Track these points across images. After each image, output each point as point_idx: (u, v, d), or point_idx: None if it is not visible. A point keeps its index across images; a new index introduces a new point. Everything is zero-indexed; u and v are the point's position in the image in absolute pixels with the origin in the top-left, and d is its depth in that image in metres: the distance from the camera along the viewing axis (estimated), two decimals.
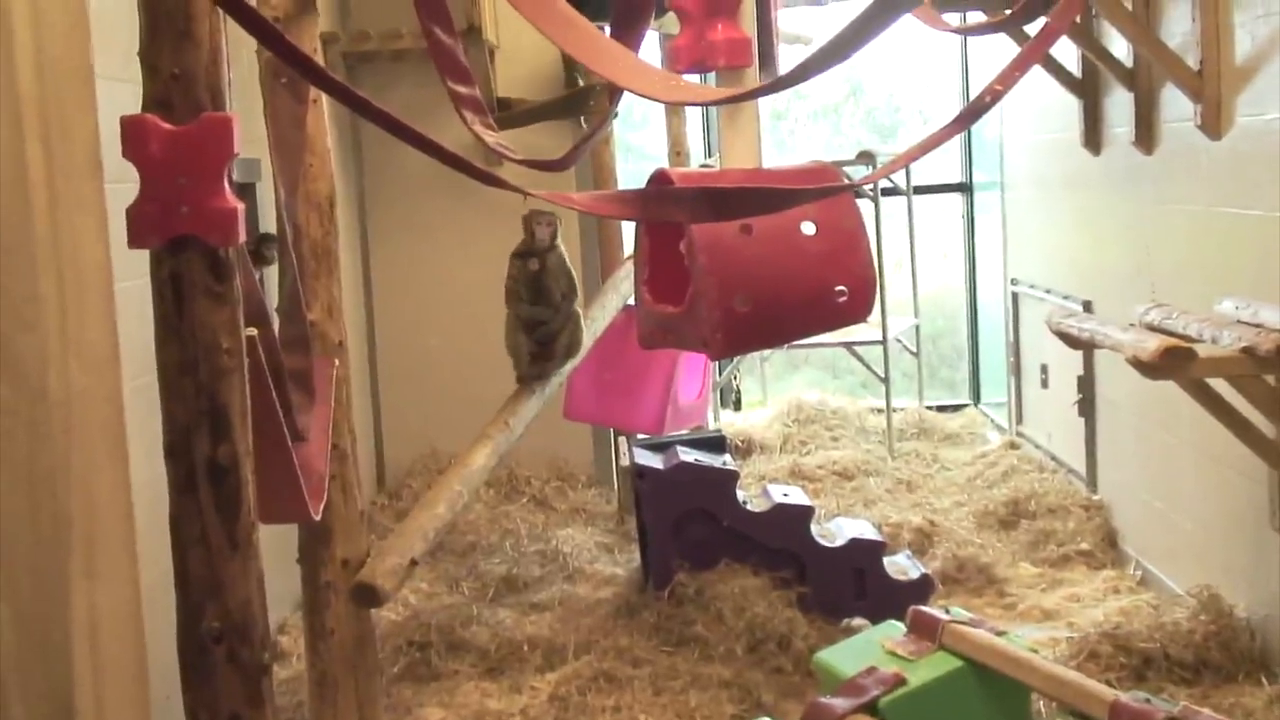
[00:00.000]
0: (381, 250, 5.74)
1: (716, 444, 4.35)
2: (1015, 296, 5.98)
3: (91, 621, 2.26)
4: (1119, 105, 4.41)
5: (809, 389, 6.87)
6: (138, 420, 2.38)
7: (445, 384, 5.73)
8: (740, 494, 4.12)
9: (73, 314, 2.26)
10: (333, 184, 3.08)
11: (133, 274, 2.12)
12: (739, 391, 7.05)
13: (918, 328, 6.67)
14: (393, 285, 5.75)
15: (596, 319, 4.27)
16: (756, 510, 4.09)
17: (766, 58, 3.00)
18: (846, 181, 3.43)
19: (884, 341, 6.00)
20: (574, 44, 2.57)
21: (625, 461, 4.84)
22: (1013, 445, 5.90)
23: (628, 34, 2.89)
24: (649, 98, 3.05)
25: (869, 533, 4.17)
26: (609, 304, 4.47)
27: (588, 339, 4.04)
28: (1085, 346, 3.59)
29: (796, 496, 4.21)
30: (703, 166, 5.57)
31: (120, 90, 2.19)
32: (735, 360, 6.43)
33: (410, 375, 5.76)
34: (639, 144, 7.18)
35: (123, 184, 1.87)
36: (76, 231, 2.26)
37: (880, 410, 6.29)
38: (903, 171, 6.38)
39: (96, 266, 2.29)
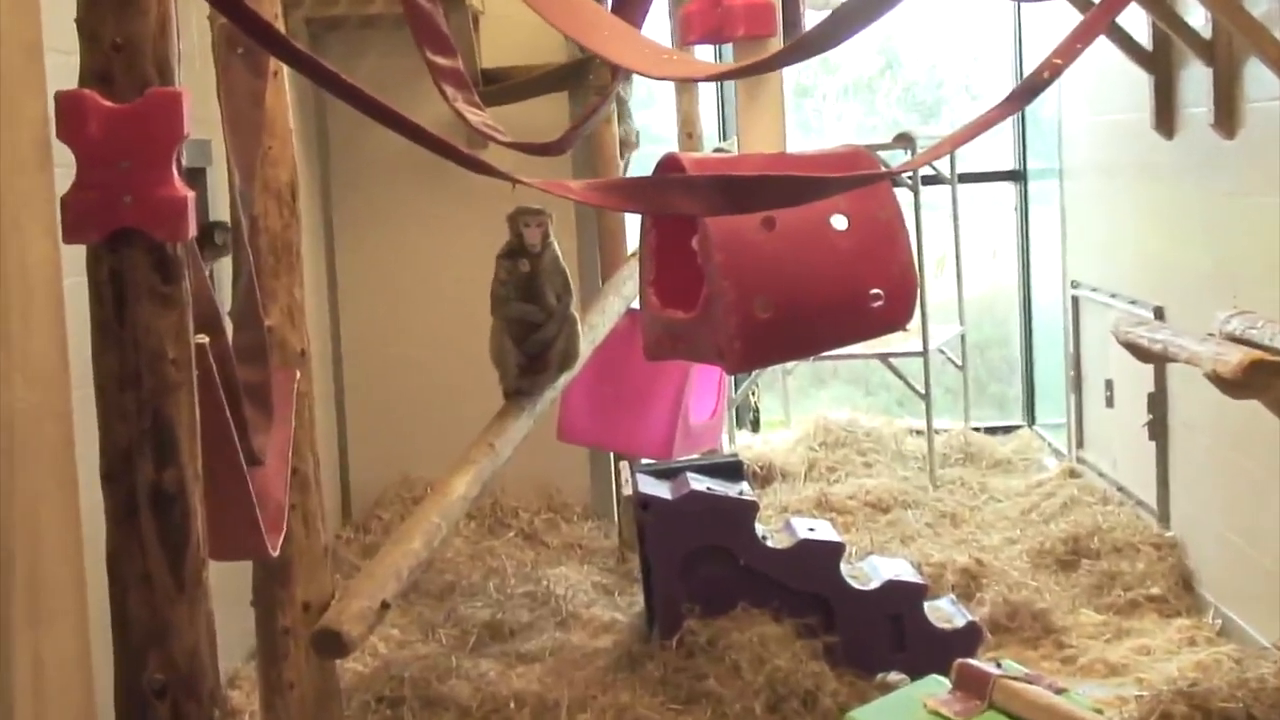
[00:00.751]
0: (349, 246, 5.75)
1: (732, 470, 4.35)
2: (1076, 301, 5.99)
3: (36, 676, 2.26)
4: (1195, 82, 4.41)
5: (838, 407, 6.87)
6: (82, 439, 2.39)
7: (421, 400, 5.73)
8: (759, 528, 4.12)
9: (17, 323, 2.26)
10: (295, 170, 3.09)
11: (76, 270, 2.13)
12: (758, 410, 7.05)
13: (963, 337, 6.68)
14: (362, 286, 5.76)
15: (596, 325, 4.28)
16: (778, 547, 4.09)
17: (792, 26, 3.02)
18: (882, 169, 3.44)
19: (925, 353, 6.00)
20: (548, 6, 2.58)
21: (627, 490, 4.84)
22: (1072, 473, 5.90)
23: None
24: (637, 72, 3.06)
25: (907, 574, 4.16)
26: (610, 308, 4.48)
27: (585, 348, 4.04)
28: (1157, 360, 3.60)
29: (824, 531, 4.20)
30: (718, 151, 5.57)
31: (71, 66, 2.19)
32: (754, 374, 6.43)
33: (381, 390, 5.77)
34: (645, 124, 7.19)
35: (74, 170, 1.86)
36: (23, 230, 2.26)
37: (920, 432, 6.29)
38: (947, 157, 6.39)
39: (45, 269, 2.29)
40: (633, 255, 4.80)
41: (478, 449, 3.57)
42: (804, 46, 2.38)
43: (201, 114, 2.09)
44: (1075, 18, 4.12)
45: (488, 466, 3.53)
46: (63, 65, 2.26)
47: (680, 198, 2.39)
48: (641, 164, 5.61)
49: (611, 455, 5.44)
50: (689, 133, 5.39)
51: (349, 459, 5.78)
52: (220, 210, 3.87)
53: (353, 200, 5.73)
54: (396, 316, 5.77)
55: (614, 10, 2.90)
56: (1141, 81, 4.77)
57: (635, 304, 4.25)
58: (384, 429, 5.76)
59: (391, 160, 5.57)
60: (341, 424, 5.76)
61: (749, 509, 4.10)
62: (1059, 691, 2.61)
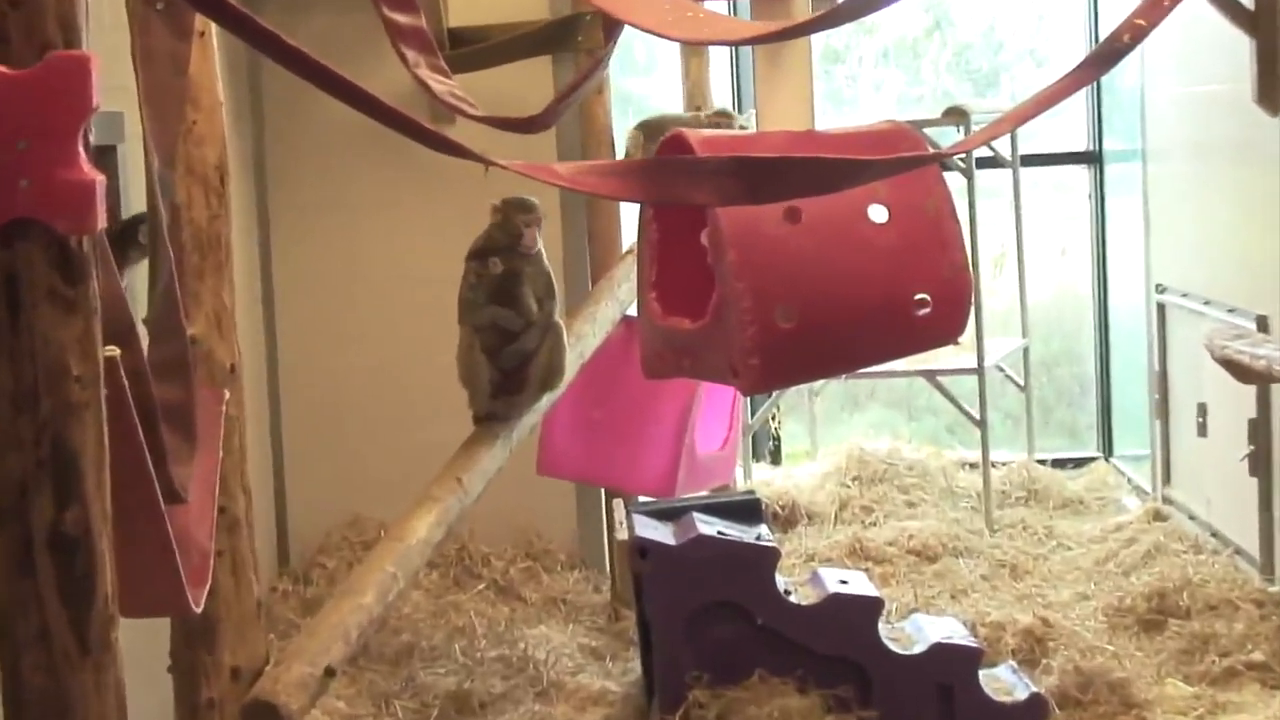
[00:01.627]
0: (288, 241, 5.76)
1: (748, 510, 4.36)
2: (1162, 309, 6.00)
3: None
4: None
5: (875, 435, 6.87)
6: None
7: (374, 425, 5.73)
8: (781, 580, 4.12)
9: None
10: (224, 149, 3.10)
11: None
12: (779, 438, 7.05)
13: (1026, 351, 6.69)
14: (303, 288, 5.77)
15: (584, 336, 4.29)
16: (803, 603, 4.10)
17: None
18: (930, 149, 3.45)
19: (980, 370, 6.01)
20: None
21: (622, 534, 4.84)
22: (1158, 515, 5.90)
23: None
24: (654, 33, 3.08)
25: (959, 635, 4.16)
26: (602, 316, 4.49)
27: (572, 363, 4.05)
28: (1260, 379, 3.61)
29: (859, 584, 4.21)
30: (719, 113, 5.59)
31: None
32: (774, 395, 6.44)
33: (326, 413, 5.77)
34: (644, 94, 7.22)
35: None
36: None
37: (974, 465, 6.29)
38: (1007, 136, 6.41)
39: None
40: (629, 252, 4.82)
41: (442, 484, 3.57)
42: (853, 7, 2.41)
43: (113, 82, 2.10)
44: None
45: (454, 505, 3.53)
46: None
47: (687, 184, 2.40)
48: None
49: (603, 492, 5.44)
50: (697, 105, 5.41)
51: (287, 496, 5.77)
52: (135, 196, 3.88)
53: (293, 186, 5.74)
54: (345, 325, 5.77)
55: None
56: (1241, 46, 4.78)
57: (632, 311, 4.26)
58: (329, 460, 5.76)
59: (340, 138, 5.58)
60: (278, 453, 5.76)
61: (768, 557, 4.11)
62: None
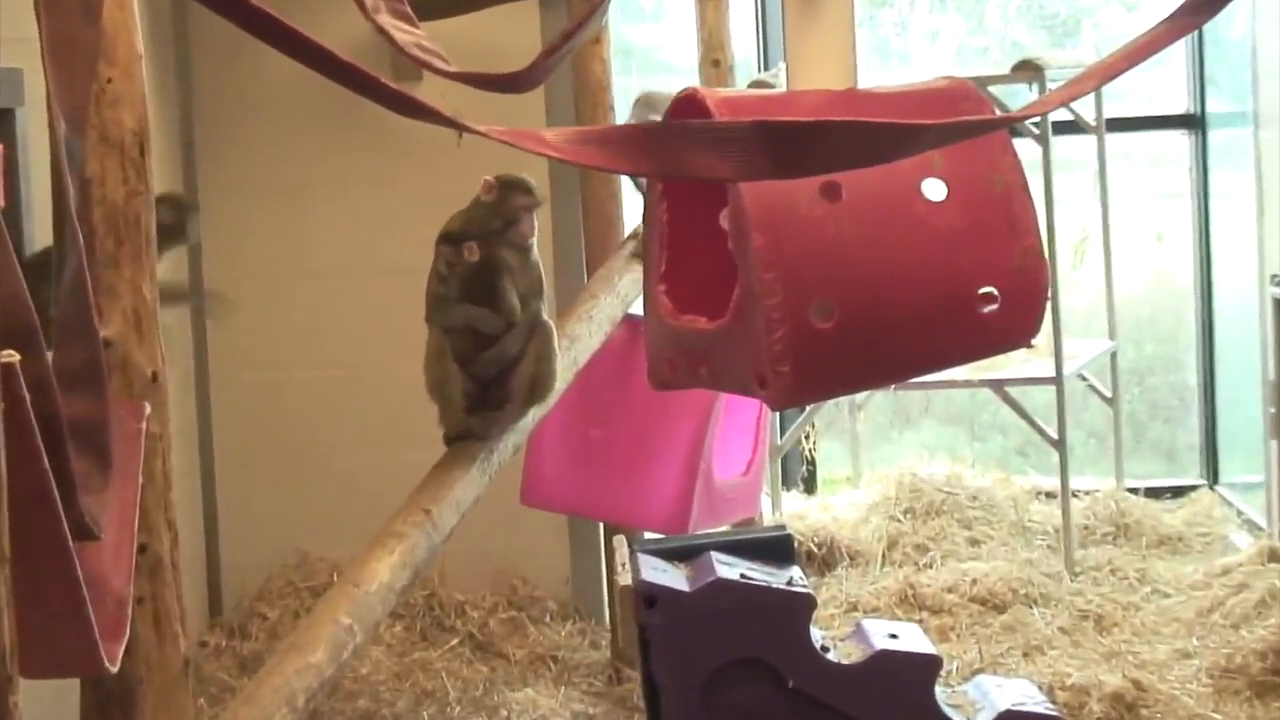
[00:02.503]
0: (222, 223, 5.76)
1: (778, 549, 4.35)
2: (1279, 304, 6.00)
3: None
4: None
5: (931, 458, 6.88)
6: None
7: (324, 447, 5.74)
8: (817, 634, 4.12)
9: None
10: (144, 114, 3.10)
11: None
12: (814, 462, 7.05)
13: (1114, 357, 6.69)
14: (239, 282, 5.76)
15: (578, 339, 4.29)
16: (844, 661, 4.10)
17: None
18: (997, 112, 3.46)
19: (1058, 379, 6.01)
20: None
21: (624, 578, 4.84)
22: (1274, 555, 5.89)
23: None
24: None
25: (1033, 701, 4.16)
26: (599, 314, 4.50)
27: (564, 371, 4.06)
28: None
29: (911, 639, 4.21)
30: (757, 85, 5.59)
31: None
32: (809, 410, 6.44)
33: (266, 431, 5.78)
34: (650, 45, 7.23)
35: None
36: None
37: (1052, 495, 6.28)
38: (1091, 96, 6.41)
39: None
40: (633, 237, 4.83)
41: (407, 517, 3.57)
42: None
43: (10, 34, 2.11)
44: None
45: (421, 543, 3.54)
46: None
47: (703, 154, 2.40)
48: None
49: (601, 527, 5.45)
50: (715, 59, 5.41)
51: (220, 531, 5.79)
52: (37, 168, 3.89)
53: (227, 158, 5.75)
54: (290, 325, 5.78)
55: None
56: None
57: (637, 308, 4.26)
58: (270, 488, 5.77)
59: (283, 101, 5.59)
60: (209, 481, 5.78)
61: (802, 606, 4.11)
62: None
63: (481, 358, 3.85)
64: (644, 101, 5.15)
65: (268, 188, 5.74)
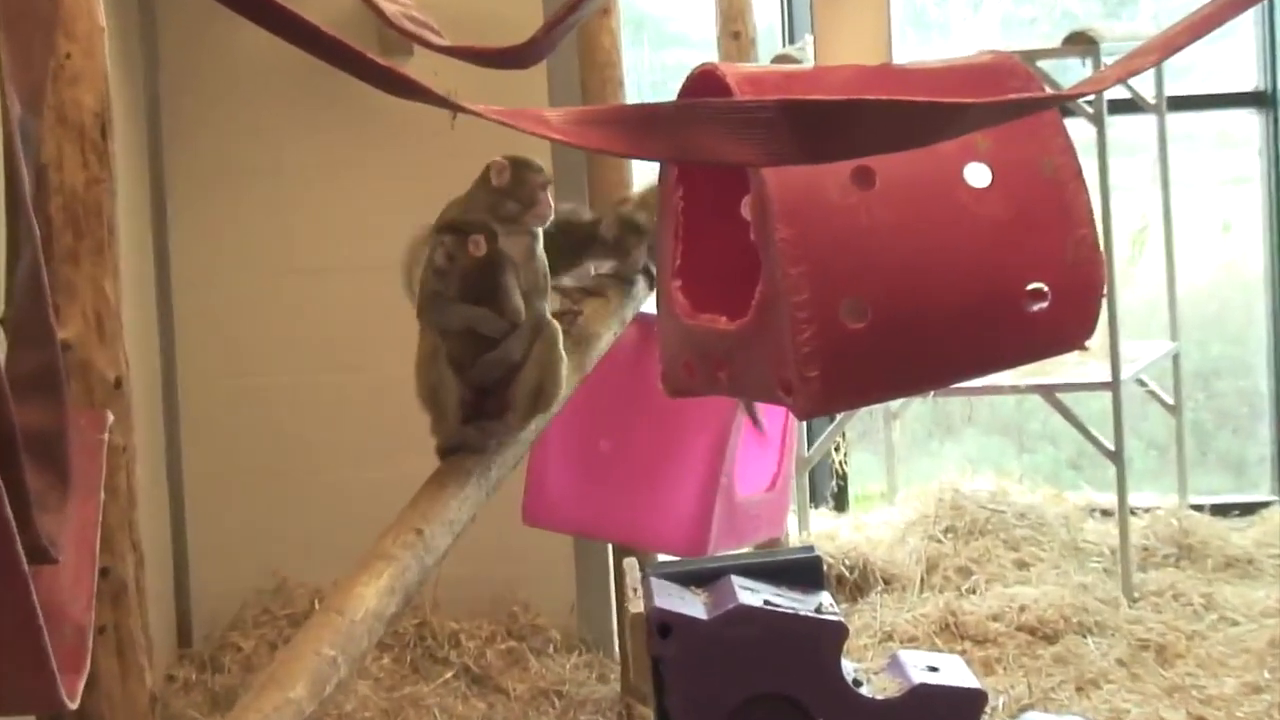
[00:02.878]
0: (190, 214, 5.77)
1: (806, 572, 4.35)
2: None
3: None
4: None
5: (974, 472, 6.87)
6: None
7: (303, 460, 5.75)
8: (849, 666, 4.12)
9: None
10: (106, 93, 3.11)
11: None
12: (844, 476, 7.05)
13: (1177, 359, 6.68)
14: (211, 277, 5.78)
15: (585, 341, 4.29)
16: (878, 697, 4.10)
17: None
18: (1047, 89, 3.45)
19: (1115, 385, 6.00)
20: None
21: (636, 604, 4.84)
22: None
23: None
24: None
25: None
26: (608, 316, 4.50)
27: (569, 377, 4.06)
28: None
29: (953, 672, 4.20)
30: (781, 60, 5.59)
31: None
32: (838, 419, 6.44)
33: (240, 443, 5.78)
34: (663, 16, 7.23)
35: None
36: None
37: (1108, 512, 6.28)
38: (1151, 73, 6.41)
39: None
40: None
41: (396, 538, 3.57)
42: None
43: None
44: None
45: (412, 566, 3.54)
46: None
47: (723, 137, 2.40)
48: (659, 87, 5.64)
49: (610, 549, 5.45)
50: (735, 31, 5.41)
51: (189, 554, 5.80)
52: None
53: (197, 142, 5.76)
54: (266, 326, 5.79)
55: None
56: None
57: (650, 306, 4.26)
58: (245, 506, 5.77)
59: (258, 79, 5.60)
60: (177, 497, 5.79)
61: (832, 635, 4.10)
62: None
63: (481, 362, 3.84)
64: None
65: (243, 174, 5.74)
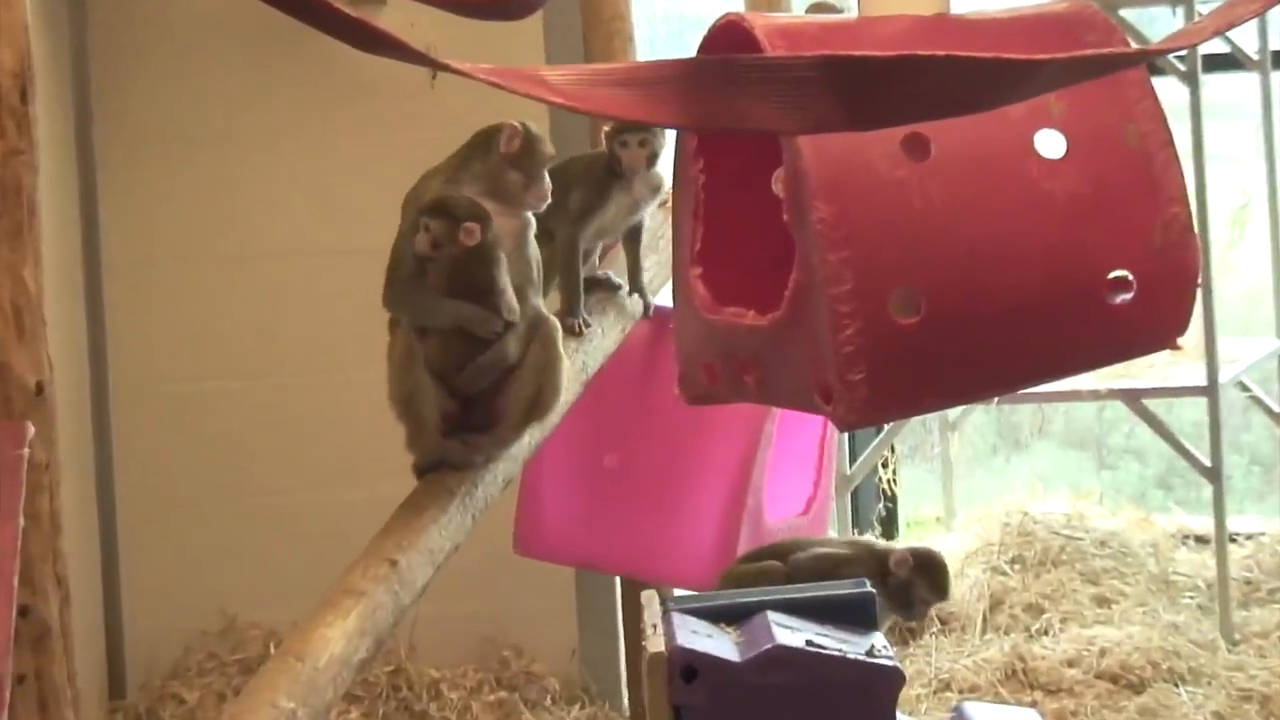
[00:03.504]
0: (124, 193, 5.79)
1: (855, 609, 4.34)
2: None
3: None
4: None
5: (1046, 493, 6.88)
6: None
7: (256, 479, 5.76)
8: (904, 719, 4.13)
9: None
10: (26, 49, 3.12)
11: None
12: (893, 497, 7.06)
13: None
14: (148, 267, 5.79)
15: (589, 340, 4.31)
16: None
17: None
18: (1131, 45, 3.46)
19: (1212, 389, 6.01)
20: None
21: (654, 644, 4.86)
22: None
23: None
24: None
25: None
26: (613, 310, 4.51)
27: (570, 382, 4.07)
28: None
29: None
30: (818, 9, 5.60)
31: None
32: (886, 430, 6.45)
33: (181, 459, 5.80)
34: None
35: None
36: None
37: (1204, 539, 6.28)
38: (1254, 24, 6.40)
39: None
40: (661, 206, 4.83)
41: (366, 571, 3.59)
42: None
43: None
44: None
45: (385, 604, 3.55)
46: None
47: (751, 100, 2.40)
48: (676, 41, 5.65)
49: (618, 583, 5.46)
50: None
51: (122, 589, 5.81)
52: None
53: (131, 106, 5.78)
54: (212, 322, 5.80)
55: None
56: None
57: (665, 299, 4.27)
58: (187, 532, 5.79)
59: (202, 32, 5.62)
60: (109, 523, 5.80)
61: (886, 682, 4.10)
62: None
63: (472, 367, 3.85)
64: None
65: (183, 144, 5.76)
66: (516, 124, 3.89)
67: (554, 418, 4.04)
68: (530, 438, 4.01)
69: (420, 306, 3.87)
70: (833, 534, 5.94)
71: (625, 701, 5.52)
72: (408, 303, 3.88)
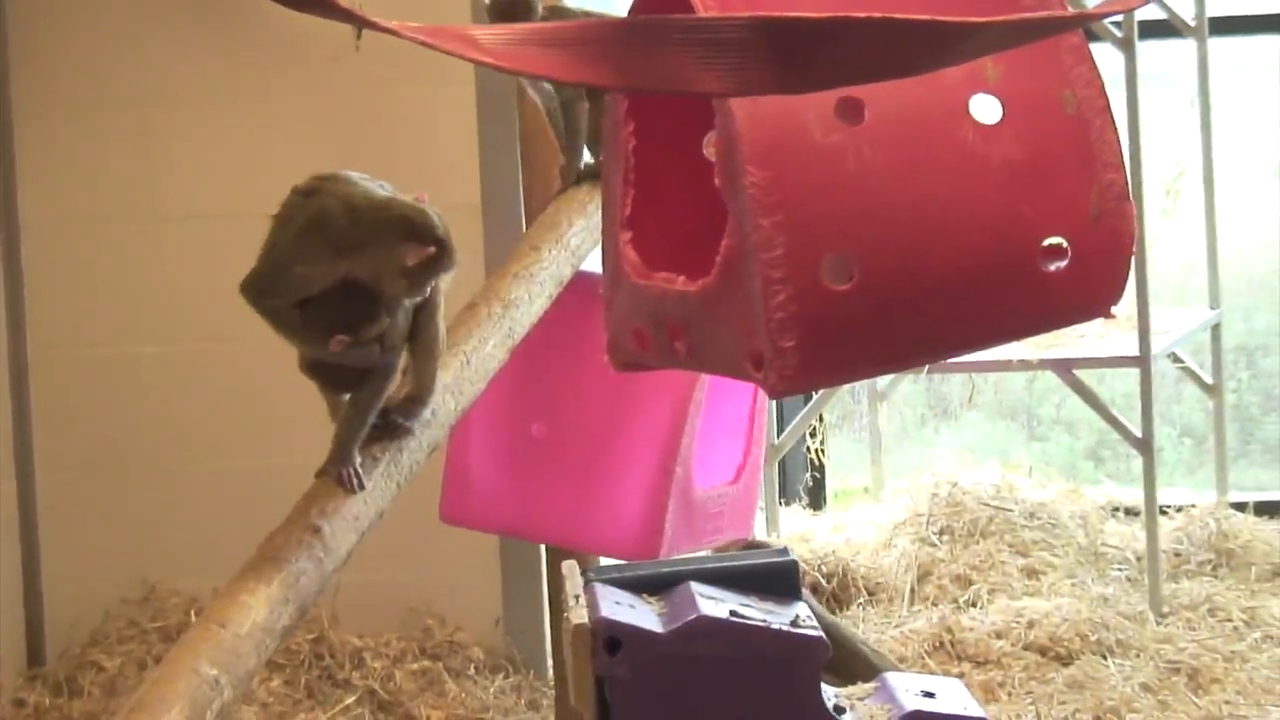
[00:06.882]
0: (42, 148, 5.76)
1: (779, 579, 4.36)
2: None
3: None
4: None
5: (976, 464, 6.91)
6: None
7: (177, 446, 5.75)
8: (830, 691, 4.14)
9: None
10: None
11: None
12: (821, 468, 7.08)
13: (1217, 330, 6.72)
14: (65, 224, 5.77)
15: (514, 305, 4.30)
16: None
17: None
18: (1069, 8, 3.46)
19: (1144, 360, 6.03)
20: None
21: (577, 615, 4.86)
22: None
23: None
24: None
25: None
26: (542, 274, 4.50)
27: (496, 349, 4.06)
28: None
29: (951, 697, 4.22)
30: None
31: None
32: (815, 399, 6.46)
33: (101, 426, 5.78)
34: None
35: None
36: None
37: (1134, 511, 6.32)
38: None
39: None
40: (589, 174, 4.83)
41: (289, 537, 3.58)
42: None
43: None
44: None
45: (308, 571, 3.54)
46: None
47: (682, 61, 2.40)
48: None
49: (543, 551, 5.46)
50: None
51: (41, 556, 5.80)
52: None
53: (50, 61, 5.75)
54: (133, 287, 5.78)
55: None
56: None
57: (592, 264, 4.26)
58: (107, 499, 5.78)
59: None
60: (27, 490, 5.78)
61: (810, 654, 4.11)
62: None
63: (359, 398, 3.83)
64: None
65: (104, 103, 5.74)
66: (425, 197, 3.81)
67: (477, 391, 4.03)
68: (455, 404, 4.00)
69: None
70: (761, 504, 5.96)
71: (550, 671, 5.52)
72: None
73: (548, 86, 4.59)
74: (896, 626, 5.84)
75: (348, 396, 3.82)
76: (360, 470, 3.76)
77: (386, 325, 3.77)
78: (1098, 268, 2.99)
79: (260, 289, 3.80)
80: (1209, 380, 6.71)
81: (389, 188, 3.76)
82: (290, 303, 3.75)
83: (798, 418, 6.54)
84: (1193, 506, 6.59)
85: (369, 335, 3.75)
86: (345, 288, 3.72)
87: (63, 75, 5.72)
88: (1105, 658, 5.59)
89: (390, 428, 3.83)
